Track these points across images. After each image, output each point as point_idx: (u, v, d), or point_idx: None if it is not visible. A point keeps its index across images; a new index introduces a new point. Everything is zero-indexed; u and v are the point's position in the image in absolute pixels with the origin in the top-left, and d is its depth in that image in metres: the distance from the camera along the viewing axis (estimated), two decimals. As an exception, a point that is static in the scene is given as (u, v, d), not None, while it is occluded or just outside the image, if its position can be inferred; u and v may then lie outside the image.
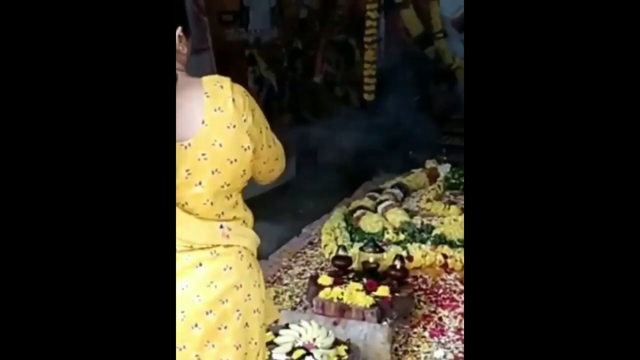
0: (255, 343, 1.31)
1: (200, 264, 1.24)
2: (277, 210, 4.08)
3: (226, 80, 1.23)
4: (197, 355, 1.24)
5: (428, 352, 2.52)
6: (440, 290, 2.97)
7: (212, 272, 1.25)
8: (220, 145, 1.20)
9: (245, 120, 1.22)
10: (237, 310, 1.27)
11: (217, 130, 1.19)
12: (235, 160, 1.22)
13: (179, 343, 1.22)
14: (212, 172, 1.20)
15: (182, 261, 1.23)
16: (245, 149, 1.23)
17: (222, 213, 1.26)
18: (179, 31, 1.23)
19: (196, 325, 1.23)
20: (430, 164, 4.82)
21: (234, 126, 1.20)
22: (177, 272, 1.21)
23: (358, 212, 3.87)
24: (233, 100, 1.20)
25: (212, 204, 1.24)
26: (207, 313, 1.24)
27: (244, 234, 1.30)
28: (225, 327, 1.26)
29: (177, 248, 1.22)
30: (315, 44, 5.61)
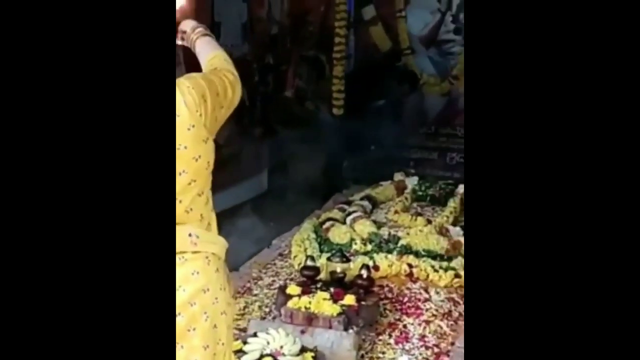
0: (223, 344, 1.38)
1: None
2: (248, 222, 4.14)
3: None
4: None
5: (393, 359, 2.60)
6: (406, 299, 3.06)
7: (181, 276, 1.32)
8: (185, 147, 1.28)
9: (200, 115, 1.30)
10: (205, 313, 1.33)
11: (179, 135, 1.27)
12: (200, 156, 1.31)
13: None
14: (180, 174, 1.29)
15: None
16: (206, 141, 1.32)
17: (191, 209, 1.34)
18: None
19: None
20: (398, 176, 4.94)
21: (193, 126, 1.29)
22: None
23: (327, 224, 3.95)
24: (185, 103, 1.28)
25: (180, 201, 1.31)
26: (176, 316, 1.30)
27: (211, 241, 1.38)
28: (194, 329, 1.32)
29: None
30: (286, 59, 5.71)
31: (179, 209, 1.31)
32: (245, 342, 2.40)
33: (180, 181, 1.29)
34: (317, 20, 5.78)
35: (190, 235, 1.34)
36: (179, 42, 1.57)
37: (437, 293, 3.11)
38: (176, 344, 1.31)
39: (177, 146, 1.26)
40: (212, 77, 1.38)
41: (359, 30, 5.81)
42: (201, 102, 1.31)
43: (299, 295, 2.75)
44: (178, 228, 1.32)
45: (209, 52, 1.51)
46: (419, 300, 3.05)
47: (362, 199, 4.49)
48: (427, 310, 2.96)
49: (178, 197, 1.30)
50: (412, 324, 2.85)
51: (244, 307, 3.02)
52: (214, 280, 1.36)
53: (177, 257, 1.32)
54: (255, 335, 2.45)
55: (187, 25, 1.55)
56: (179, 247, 1.32)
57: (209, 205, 1.39)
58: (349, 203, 4.44)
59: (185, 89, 1.30)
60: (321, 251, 3.49)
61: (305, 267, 3.01)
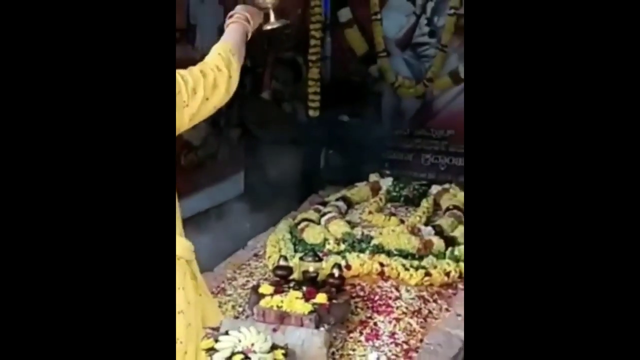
0: (181, 342, 1.41)
1: None
2: (224, 223, 4.18)
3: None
4: None
5: (363, 355, 2.66)
6: (377, 297, 3.12)
7: None
8: None
9: None
10: None
11: None
12: None
13: None
14: None
15: None
16: None
17: None
18: None
19: None
20: (373, 177, 5.00)
21: None
22: None
23: (302, 224, 4.00)
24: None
25: None
26: None
27: None
28: None
29: None
30: (263, 61, 5.74)
31: None
32: (217, 340, 2.44)
33: None
34: (294, 22, 5.83)
35: None
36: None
37: (408, 291, 3.17)
38: None
39: None
40: (184, 73, 1.38)
41: (335, 33, 5.86)
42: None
43: (272, 295, 2.80)
44: None
45: (219, 42, 1.51)
46: (390, 298, 3.11)
47: (337, 199, 4.54)
48: (397, 308, 3.02)
49: None
50: (383, 321, 2.91)
51: (218, 307, 3.05)
52: None
53: None
54: (227, 333, 2.49)
55: (233, 11, 1.56)
56: None
57: None
58: (325, 204, 4.49)
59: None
60: (295, 251, 3.54)
61: (278, 267, 3.06)
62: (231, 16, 1.58)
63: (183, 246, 1.43)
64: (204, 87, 1.39)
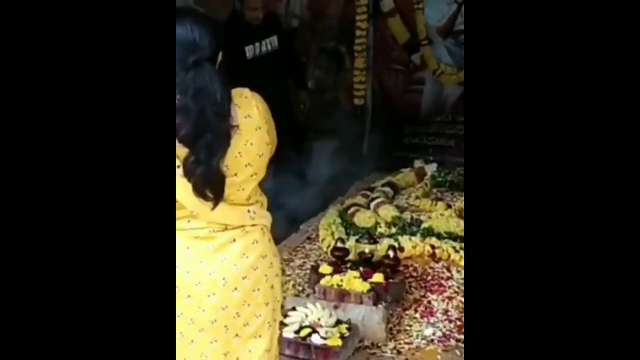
0: (278, 301, 1.64)
1: (235, 240, 1.54)
2: (276, 209, 4.34)
3: (247, 92, 1.53)
4: (237, 313, 1.54)
5: (419, 331, 2.81)
6: (430, 277, 3.27)
7: (244, 246, 1.55)
8: (252, 144, 1.50)
9: (267, 122, 1.54)
10: (265, 276, 1.58)
11: (248, 133, 1.49)
12: (263, 154, 1.54)
13: (222, 304, 1.52)
14: (246, 166, 1.51)
15: (220, 239, 1.53)
16: (268, 144, 1.55)
17: (250, 197, 1.57)
18: (220, 56, 1.52)
19: (236, 289, 1.54)
20: (418, 163, 5.12)
21: (260, 128, 1.52)
22: (216, 248, 1.52)
23: (352, 209, 4.16)
24: (257, 107, 1.51)
25: (243, 189, 1.54)
26: (243, 279, 1.54)
27: (264, 216, 1.62)
28: (259, 290, 1.57)
29: (215, 229, 1.53)
30: (306, 52, 5.89)
31: (242, 195, 1.55)
32: (285, 316, 2.63)
33: (245, 172, 1.52)
34: (337, 13, 5.95)
35: (249, 211, 1.57)
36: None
37: (459, 272, 3.30)
38: (244, 303, 1.55)
39: (245, 142, 1.49)
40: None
41: (377, 22, 5.96)
42: (267, 114, 1.55)
43: (331, 274, 2.98)
44: (239, 208, 1.55)
45: None
46: (442, 278, 3.25)
47: (384, 185, 4.68)
48: (449, 287, 3.16)
49: (242, 185, 1.53)
50: (437, 300, 3.06)
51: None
52: (269, 248, 1.61)
53: (240, 230, 1.55)
54: (294, 309, 2.68)
55: None
56: (241, 221, 1.56)
57: (259, 190, 1.64)
58: (372, 190, 4.64)
59: (258, 99, 1.54)
60: (347, 234, 3.70)
61: (336, 249, 3.23)
62: None
63: (270, 220, 1.64)
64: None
